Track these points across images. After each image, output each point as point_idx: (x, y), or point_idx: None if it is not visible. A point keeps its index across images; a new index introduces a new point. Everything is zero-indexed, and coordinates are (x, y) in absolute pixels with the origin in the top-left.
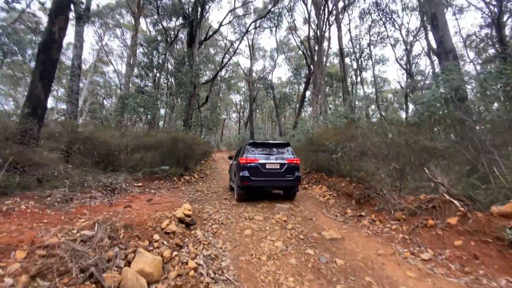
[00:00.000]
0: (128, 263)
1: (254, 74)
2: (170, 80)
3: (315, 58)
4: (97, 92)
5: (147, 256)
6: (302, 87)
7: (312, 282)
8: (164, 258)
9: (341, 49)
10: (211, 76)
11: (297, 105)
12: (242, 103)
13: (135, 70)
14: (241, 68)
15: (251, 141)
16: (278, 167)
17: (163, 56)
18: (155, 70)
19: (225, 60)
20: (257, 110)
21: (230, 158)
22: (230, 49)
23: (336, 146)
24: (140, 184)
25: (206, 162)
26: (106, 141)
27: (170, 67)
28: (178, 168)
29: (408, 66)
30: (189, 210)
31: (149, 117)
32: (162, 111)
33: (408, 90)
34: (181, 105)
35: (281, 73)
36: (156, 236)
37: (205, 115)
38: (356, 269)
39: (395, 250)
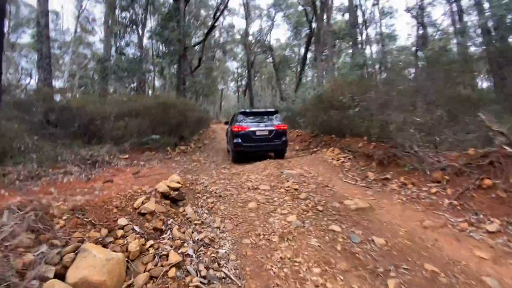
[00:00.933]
0: (65, 269)
1: (250, 37)
2: (154, 40)
3: (318, 6)
4: (85, 65)
5: (96, 255)
6: (302, 50)
7: (349, 274)
8: (131, 253)
9: None
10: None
11: (298, 68)
12: (239, 70)
13: (115, 29)
14: (237, 30)
15: (242, 110)
16: (267, 133)
17: (143, 10)
18: (136, 28)
19: (218, 14)
20: (256, 77)
21: (226, 123)
22: (222, 6)
23: (352, 100)
24: (127, 156)
25: (204, 132)
26: (86, 110)
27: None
28: (171, 138)
29: (421, 17)
30: (177, 182)
31: (135, 83)
32: (157, 82)
33: (417, 46)
34: (171, 69)
35: (280, 34)
36: (122, 221)
37: (200, 81)
38: (404, 250)
39: (446, 220)
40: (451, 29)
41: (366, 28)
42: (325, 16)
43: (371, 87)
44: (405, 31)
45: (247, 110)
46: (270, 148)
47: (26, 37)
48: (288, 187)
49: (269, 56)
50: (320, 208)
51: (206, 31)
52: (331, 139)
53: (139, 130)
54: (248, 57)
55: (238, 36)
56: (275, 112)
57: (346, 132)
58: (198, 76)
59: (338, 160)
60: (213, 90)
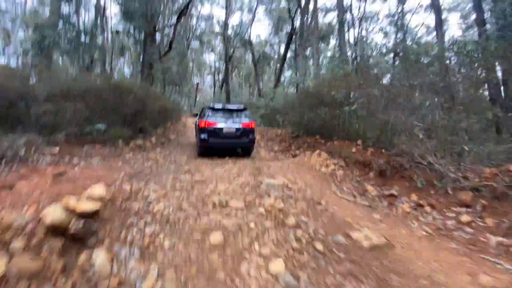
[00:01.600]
0: None
1: (230, 30)
2: (114, 13)
3: (302, 3)
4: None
5: None
6: (282, 47)
7: None
8: None
9: None
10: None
11: (278, 65)
12: (217, 64)
13: None
14: (216, 21)
15: (210, 105)
16: (234, 130)
17: None
18: None
19: None
20: (233, 73)
21: (195, 115)
22: None
23: (347, 96)
24: (57, 150)
25: (172, 125)
26: (5, 88)
27: None
28: (125, 129)
29: (399, 23)
30: (98, 198)
31: (85, 60)
32: (127, 70)
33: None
34: (135, 49)
35: (260, 29)
36: None
37: (169, 67)
38: None
39: (509, 275)
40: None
41: (349, 29)
42: (309, 14)
43: (371, 82)
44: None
45: (215, 106)
46: (236, 145)
47: None
48: (269, 205)
49: (249, 51)
50: (319, 246)
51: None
52: (315, 141)
53: (82, 117)
54: (227, 50)
55: (217, 29)
56: (244, 109)
57: (335, 134)
58: (168, 62)
59: (327, 167)
60: (184, 79)
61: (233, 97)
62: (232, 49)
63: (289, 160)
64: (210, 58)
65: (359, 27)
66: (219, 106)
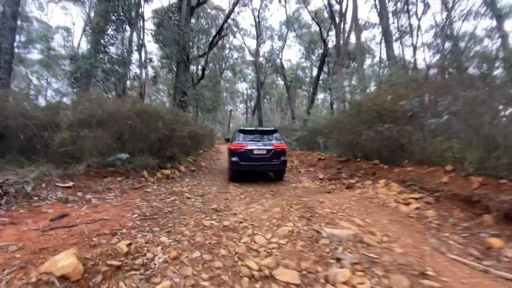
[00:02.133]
0: None
1: (261, 58)
2: (147, 40)
3: (336, 20)
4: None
5: None
6: (314, 71)
7: None
8: None
9: None
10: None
11: (311, 88)
12: (249, 92)
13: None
14: (246, 47)
15: (241, 128)
16: (265, 152)
17: (135, 3)
18: (123, 25)
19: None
20: (265, 99)
21: (227, 140)
22: (230, 22)
23: (423, 105)
24: (71, 184)
25: (205, 152)
26: (32, 117)
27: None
28: (151, 158)
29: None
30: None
31: (117, 89)
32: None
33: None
34: (168, 77)
35: (291, 55)
36: None
37: (202, 94)
38: None
39: None
40: None
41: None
42: (345, 31)
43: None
44: None
45: (246, 128)
46: (268, 168)
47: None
48: (344, 283)
49: (281, 75)
50: None
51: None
52: (375, 167)
53: (104, 146)
54: (258, 77)
55: (248, 58)
56: (275, 131)
57: (404, 156)
58: (202, 90)
59: (408, 204)
60: (217, 104)
61: (265, 121)
62: (263, 76)
63: (345, 193)
64: (242, 86)
65: (400, 40)
66: (249, 128)
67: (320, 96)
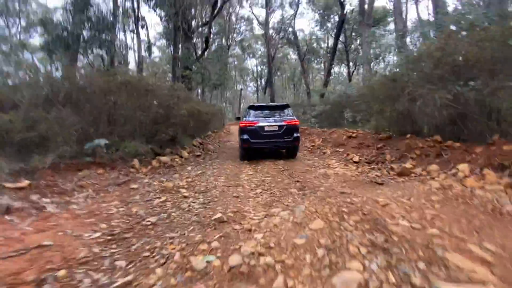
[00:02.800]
0: None
1: (271, 30)
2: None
3: None
4: None
5: None
6: (330, 42)
7: None
8: None
9: None
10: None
11: (325, 61)
12: (259, 68)
13: None
14: (255, 17)
15: (250, 104)
16: (277, 129)
17: None
18: None
19: None
20: (276, 75)
21: (237, 119)
22: None
23: None
24: (27, 183)
25: (215, 133)
26: None
27: None
28: (144, 143)
29: None
30: None
31: (104, 62)
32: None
33: None
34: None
35: (303, 24)
36: None
37: (206, 66)
38: None
39: None
40: None
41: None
42: None
43: None
44: None
45: (256, 104)
46: (280, 145)
47: None
48: None
49: (294, 46)
50: None
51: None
52: (437, 145)
53: (77, 130)
54: (268, 50)
55: (258, 31)
56: (287, 106)
57: (491, 130)
58: (208, 65)
59: None
60: (224, 79)
61: (277, 98)
62: (274, 50)
63: (407, 186)
64: (251, 63)
65: None
66: (259, 104)
67: (335, 69)
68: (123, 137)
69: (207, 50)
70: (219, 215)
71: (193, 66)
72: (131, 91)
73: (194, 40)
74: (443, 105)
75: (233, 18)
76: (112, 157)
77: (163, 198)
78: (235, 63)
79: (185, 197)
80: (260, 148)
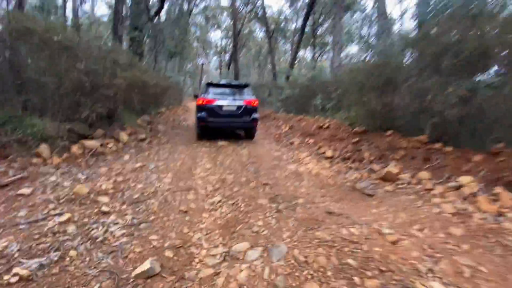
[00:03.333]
0: None
1: (238, 1)
2: None
3: None
4: None
5: None
6: (299, 24)
7: None
8: None
9: None
10: None
11: (295, 38)
12: (223, 42)
13: None
14: None
15: (209, 81)
16: (235, 108)
17: None
18: None
19: None
20: (241, 53)
21: (195, 97)
22: None
23: None
24: None
25: (169, 111)
26: None
27: None
28: (59, 121)
29: None
30: None
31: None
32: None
33: None
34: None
35: (272, 0)
36: None
37: (161, 29)
38: None
39: None
40: None
41: None
42: None
43: None
44: None
45: (215, 82)
46: (238, 125)
47: None
48: None
49: (262, 21)
50: None
51: None
52: (423, 147)
53: None
54: (235, 23)
55: (224, 2)
56: (246, 86)
57: (495, 137)
58: (163, 29)
59: None
60: (182, 47)
61: (242, 76)
62: (240, 23)
63: (401, 201)
64: (216, 36)
65: None
66: (218, 82)
67: (300, 53)
68: (32, 110)
69: (162, 10)
70: (146, 266)
71: (144, 28)
72: (30, 41)
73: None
74: (455, 102)
75: None
76: (9, 140)
77: (65, 217)
78: (198, 33)
79: (104, 213)
80: (217, 127)
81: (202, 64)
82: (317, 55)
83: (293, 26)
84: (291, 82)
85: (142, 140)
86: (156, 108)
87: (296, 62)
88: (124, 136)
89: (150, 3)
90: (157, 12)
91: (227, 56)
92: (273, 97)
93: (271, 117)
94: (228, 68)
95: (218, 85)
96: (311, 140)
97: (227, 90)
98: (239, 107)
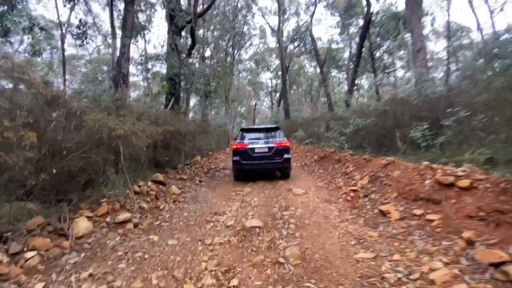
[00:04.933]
0: None
1: (285, 38)
2: None
3: None
4: None
5: None
6: (352, 51)
7: None
8: None
9: None
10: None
11: (351, 65)
12: (273, 81)
13: None
14: (268, 24)
15: (242, 127)
16: (267, 150)
17: None
18: None
19: None
20: (292, 90)
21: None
22: None
23: None
24: None
25: (210, 156)
26: None
27: None
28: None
29: None
30: None
31: None
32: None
33: None
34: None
35: (321, 31)
36: None
37: (190, 67)
38: None
39: None
40: None
41: None
42: None
43: None
44: None
45: (247, 127)
46: (270, 166)
47: None
48: None
49: (311, 53)
50: None
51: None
52: None
53: None
54: (282, 59)
55: (271, 43)
56: (277, 129)
57: None
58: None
59: None
60: (225, 84)
61: (293, 112)
62: (288, 60)
63: None
64: (266, 77)
65: None
66: (250, 127)
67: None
68: None
69: (194, 47)
70: None
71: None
72: None
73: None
74: None
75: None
76: None
77: None
78: (249, 77)
79: None
80: (251, 169)
81: (255, 105)
82: (378, 80)
83: (346, 54)
84: (359, 111)
85: (123, 224)
86: (188, 156)
87: (354, 88)
88: (82, 224)
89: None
90: (190, 51)
91: (278, 95)
92: (333, 131)
93: (333, 159)
94: (279, 105)
95: (250, 130)
96: (432, 216)
97: (259, 134)
98: (270, 148)
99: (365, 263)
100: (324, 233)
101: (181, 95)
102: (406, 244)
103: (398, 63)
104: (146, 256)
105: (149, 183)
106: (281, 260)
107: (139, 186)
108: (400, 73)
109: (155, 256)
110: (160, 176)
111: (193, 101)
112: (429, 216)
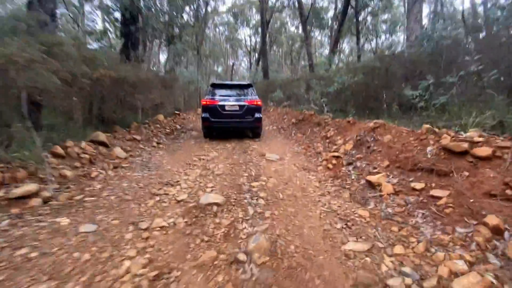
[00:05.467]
0: None
1: None
2: None
3: None
4: None
5: None
6: (339, 5)
7: None
8: None
9: None
10: None
11: (335, 25)
12: (252, 39)
13: None
14: None
15: (212, 82)
16: (238, 108)
17: None
18: None
19: None
20: (272, 50)
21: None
22: None
23: None
24: None
25: (177, 116)
26: None
27: None
28: None
29: None
30: None
31: None
32: None
33: None
34: None
35: None
36: None
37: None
38: None
39: None
40: None
41: None
42: None
43: None
44: None
45: (218, 82)
46: (241, 125)
47: None
48: None
49: (294, 3)
50: None
51: None
52: None
53: None
54: (263, 13)
55: None
56: (249, 86)
57: None
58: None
59: None
60: (182, 27)
61: (272, 73)
62: (269, 14)
63: None
64: (245, 32)
65: None
66: (221, 82)
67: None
68: None
69: None
70: None
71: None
72: None
73: None
74: None
75: None
76: None
77: None
78: (226, 33)
79: None
80: (221, 127)
81: (233, 64)
82: (362, 42)
83: (331, 13)
84: (348, 66)
85: (24, 200)
86: (145, 117)
87: (337, 49)
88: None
89: None
90: None
91: (257, 54)
92: (314, 92)
93: (312, 122)
94: (258, 65)
95: (221, 86)
96: (437, 192)
97: (230, 90)
98: (241, 106)
99: (358, 260)
100: (302, 211)
101: (139, 38)
102: (408, 230)
103: (383, 27)
104: (34, 254)
105: (83, 143)
106: (241, 257)
107: (66, 148)
108: (382, 38)
109: (49, 253)
110: (102, 136)
111: (164, 56)
112: (433, 192)
